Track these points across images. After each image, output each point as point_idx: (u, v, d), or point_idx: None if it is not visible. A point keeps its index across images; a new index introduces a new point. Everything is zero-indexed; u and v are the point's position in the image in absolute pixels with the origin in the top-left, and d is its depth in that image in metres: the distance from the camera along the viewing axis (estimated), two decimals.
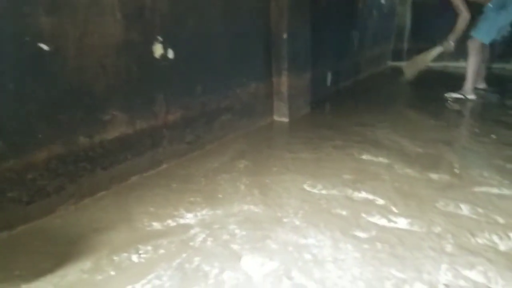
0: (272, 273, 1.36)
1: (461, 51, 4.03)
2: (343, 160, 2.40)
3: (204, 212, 1.80)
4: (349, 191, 1.97)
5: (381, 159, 2.38)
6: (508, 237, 1.53)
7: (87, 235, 1.62)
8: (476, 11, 3.80)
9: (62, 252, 1.51)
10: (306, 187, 2.04)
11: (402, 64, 5.76)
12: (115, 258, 1.46)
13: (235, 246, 1.53)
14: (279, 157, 2.49)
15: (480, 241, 1.52)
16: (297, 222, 1.69)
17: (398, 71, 5.47)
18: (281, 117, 3.38)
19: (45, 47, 1.66)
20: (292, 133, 3.08)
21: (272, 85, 3.30)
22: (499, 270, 1.34)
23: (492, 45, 4.21)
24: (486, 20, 3.72)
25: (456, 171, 2.18)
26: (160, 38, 2.18)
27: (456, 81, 4.18)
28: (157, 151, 2.29)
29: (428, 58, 4.30)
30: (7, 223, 1.63)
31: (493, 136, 2.75)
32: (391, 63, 6.78)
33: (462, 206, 1.78)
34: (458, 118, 3.45)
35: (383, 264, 1.39)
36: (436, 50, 4.16)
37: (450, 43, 3.99)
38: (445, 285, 1.27)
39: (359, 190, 1.98)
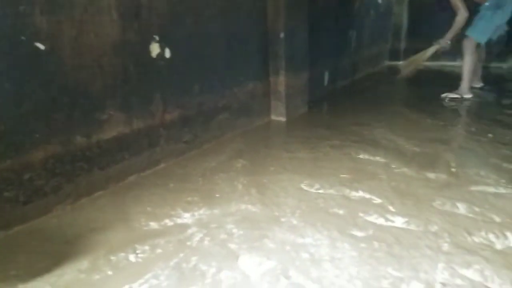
0: (270, 272, 1.36)
1: (458, 51, 4.04)
2: (340, 160, 2.40)
3: (201, 211, 1.80)
4: (346, 191, 1.97)
5: (378, 159, 2.39)
6: (505, 235, 1.54)
7: (84, 235, 1.62)
8: (472, 10, 3.80)
9: (59, 251, 1.50)
10: (303, 186, 2.04)
11: (399, 63, 5.79)
12: (112, 257, 1.46)
13: (232, 246, 1.53)
14: (276, 157, 2.49)
15: (476, 240, 1.52)
16: (295, 222, 1.69)
17: (395, 70, 5.50)
18: (279, 117, 3.38)
19: (41, 46, 1.65)
20: (290, 133, 3.09)
21: (269, 84, 3.31)
22: (496, 268, 1.34)
23: (489, 44, 4.22)
24: (482, 19, 3.73)
25: (453, 170, 2.19)
26: (157, 38, 2.18)
27: (453, 80, 4.20)
28: (154, 151, 2.29)
29: (425, 57, 4.31)
30: (4, 223, 1.62)
31: (490, 135, 2.76)
32: (388, 63, 6.80)
33: (459, 205, 1.79)
34: (455, 117, 3.46)
35: (380, 263, 1.39)
36: (433, 49, 4.17)
37: (446, 41, 3.99)
38: (442, 283, 1.28)
39: (356, 189, 1.98)
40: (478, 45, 3.91)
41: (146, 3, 2.09)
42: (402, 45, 6.91)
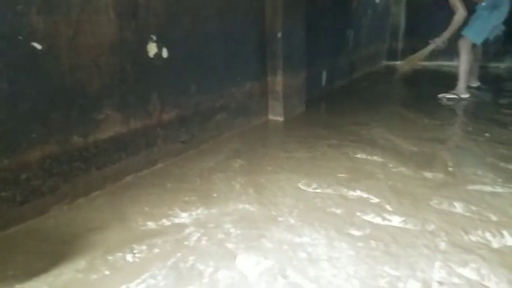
0: (267, 271, 1.36)
1: (455, 50, 4.04)
2: (338, 159, 2.40)
3: (199, 211, 1.80)
4: (344, 190, 1.97)
5: (375, 158, 2.39)
6: (501, 234, 1.54)
7: (82, 235, 1.61)
8: (470, 9, 3.81)
9: (57, 251, 1.50)
10: (301, 186, 2.04)
11: (397, 63, 5.80)
12: (109, 257, 1.46)
13: (230, 245, 1.53)
14: (274, 156, 2.49)
15: (473, 238, 1.53)
16: (292, 221, 1.70)
17: (393, 70, 5.50)
18: (276, 116, 3.39)
19: (38, 46, 1.65)
20: (287, 132, 3.09)
21: (267, 84, 3.31)
22: (492, 267, 1.35)
23: (486, 44, 4.23)
24: (478, 19, 3.74)
25: (450, 169, 2.20)
26: (154, 37, 2.18)
27: (450, 80, 4.20)
28: (151, 151, 2.28)
29: (422, 56, 4.32)
30: (1, 223, 1.62)
31: (487, 135, 2.77)
32: (385, 62, 6.81)
33: (456, 204, 1.80)
34: (452, 117, 3.46)
35: (377, 262, 1.39)
36: (429, 47, 4.17)
37: (443, 40, 4.00)
38: (439, 282, 1.28)
39: (353, 188, 1.98)
40: (474, 45, 3.92)
41: (143, 3, 2.09)
42: (400, 45, 6.92)
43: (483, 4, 3.68)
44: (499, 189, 1.93)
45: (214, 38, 2.65)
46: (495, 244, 1.49)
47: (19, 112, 1.63)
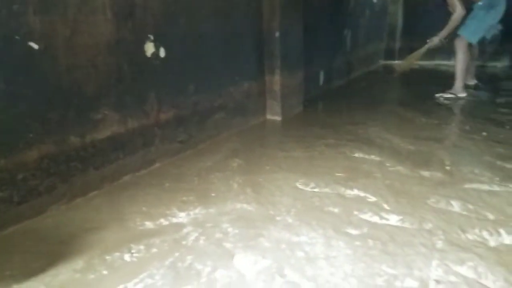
0: (265, 270, 1.36)
1: (452, 50, 4.05)
2: (335, 158, 2.41)
3: (197, 211, 1.80)
4: (341, 189, 1.98)
5: (373, 157, 2.40)
6: (498, 233, 1.55)
7: (79, 235, 1.61)
8: (468, 8, 3.81)
9: (54, 251, 1.50)
10: (298, 185, 2.04)
11: (394, 63, 5.80)
12: (107, 257, 1.45)
13: (227, 245, 1.53)
14: (271, 156, 2.49)
15: (470, 237, 1.53)
16: (290, 220, 1.70)
17: (390, 70, 5.51)
18: (274, 116, 3.39)
19: (35, 46, 1.65)
20: (285, 132, 3.09)
21: (264, 83, 3.31)
22: (489, 265, 1.35)
23: (483, 43, 4.24)
24: (474, 19, 3.74)
25: (447, 168, 2.20)
26: (151, 37, 2.18)
27: (447, 79, 4.21)
28: (149, 150, 2.28)
29: (420, 55, 4.32)
30: None
31: (484, 134, 2.78)
32: (383, 62, 6.82)
33: (453, 202, 1.80)
34: (449, 116, 3.47)
35: (375, 261, 1.40)
36: (427, 46, 4.18)
37: (439, 38, 3.99)
38: (436, 281, 1.28)
39: (351, 187, 1.99)
40: (470, 44, 3.93)
41: (140, 3, 2.08)
42: (397, 44, 6.93)
43: (480, 3, 3.69)
44: (496, 188, 1.94)
45: (211, 38, 2.65)
46: (492, 243, 1.49)
47: (16, 112, 1.63)
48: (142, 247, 1.51)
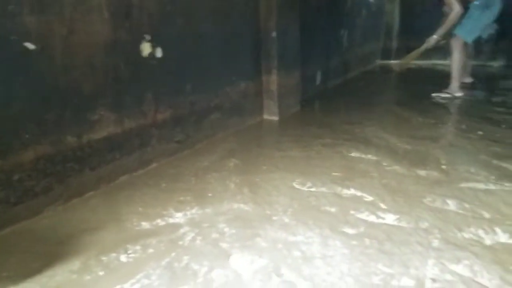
0: (261, 270, 1.37)
1: (448, 49, 4.06)
2: (332, 158, 2.41)
3: (193, 211, 1.80)
4: (338, 188, 1.98)
5: (369, 157, 2.40)
6: (494, 231, 1.56)
7: (76, 236, 1.61)
8: (466, 7, 3.82)
9: (51, 252, 1.50)
10: (295, 185, 2.05)
11: (391, 62, 5.81)
12: (103, 258, 1.45)
13: (224, 245, 1.53)
14: (268, 156, 2.49)
15: (466, 235, 1.54)
16: (287, 220, 1.70)
17: (388, 69, 5.51)
18: (271, 116, 3.39)
19: (31, 46, 1.64)
20: (282, 132, 3.09)
21: (261, 83, 3.31)
22: (485, 264, 1.36)
23: (479, 42, 4.26)
24: (470, 18, 3.76)
25: (443, 167, 2.21)
26: (148, 37, 2.17)
27: (444, 79, 4.22)
28: (146, 151, 2.28)
29: (418, 54, 4.32)
30: None
31: (480, 133, 2.79)
32: (380, 62, 6.83)
33: (449, 201, 1.81)
34: (446, 115, 3.48)
35: (371, 260, 1.40)
36: (424, 46, 4.18)
37: (436, 37, 3.99)
38: (432, 279, 1.29)
39: (348, 187, 1.99)
40: (465, 43, 3.94)
41: (137, 3, 2.08)
42: (394, 44, 6.95)
43: (476, 3, 3.70)
44: (492, 187, 1.95)
45: (208, 38, 2.65)
46: (488, 241, 1.50)
47: (12, 112, 1.62)
48: (138, 247, 1.51)
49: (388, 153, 2.44)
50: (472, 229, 1.57)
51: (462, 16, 3.78)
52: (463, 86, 4.13)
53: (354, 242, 1.51)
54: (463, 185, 1.98)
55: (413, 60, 4.54)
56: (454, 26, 3.85)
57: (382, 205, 1.79)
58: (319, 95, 4.32)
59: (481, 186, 1.96)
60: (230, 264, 1.40)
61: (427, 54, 4.41)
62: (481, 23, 3.77)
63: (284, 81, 3.34)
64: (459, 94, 3.97)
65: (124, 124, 2.12)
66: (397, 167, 2.22)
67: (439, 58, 5.88)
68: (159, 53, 2.26)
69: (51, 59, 1.73)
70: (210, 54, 2.70)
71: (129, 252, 1.48)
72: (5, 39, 1.56)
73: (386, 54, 6.88)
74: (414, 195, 1.89)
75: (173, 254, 1.47)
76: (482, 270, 1.33)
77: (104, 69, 1.97)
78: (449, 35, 3.93)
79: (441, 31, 3.94)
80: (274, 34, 3.13)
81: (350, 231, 1.60)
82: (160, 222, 1.71)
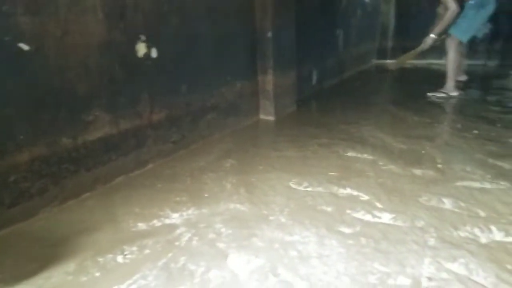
0: (258, 270, 1.37)
1: (444, 49, 4.07)
2: (328, 158, 2.41)
3: (190, 211, 1.80)
4: (334, 188, 1.98)
5: (365, 156, 2.41)
6: (489, 229, 1.56)
7: (72, 237, 1.60)
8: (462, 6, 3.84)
9: (46, 254, 1.49)
10: (291, 184, 2.05)
11: (387, 62, 5.82)
12: (100, 259, 1.45)
13: (221, 245, 1.53)
14: (265, 156, 2.49)
15: (462, 234, 1.54)
16: (283, 220, 1.70)
17: (383, 69, 5.52)
18: (267, 116, 3.39)
19: (25, 47, 1.63)
20: (278, 132, 3.09)
21: (257, 83, 3.31)
22: (480, 262, 1.36)
23: (474, 42, 4.28)
24: (465, 18, 3.77)
25: (439, 166, 2.22)
26: (143, 37, 2.17)
27: (439, 78, 4.24)
28: (142, 151, 2.27)
29: (414, 54, 4.33)
30: None
31: (475, 132, 2.80)
32: (375, 61, 6.85)
33: (445, 200, 1.81)
34: (441, 115, 3.49)
35: (367, 259, 1.40)
36: (421, 47, 4.18)
37: (433, 36, 4.00)
38: (428, 278, 1.29)
39: (344, 186, 2.00)
40: (460, 43, 3.96)
41: (131, 3, 2.08)
42: (390, 43, 6.97)
43: (471, 2, 3.72)
44: (487, 185, 1.96)
45: (204, 38, 2.64)
46: (483, 240, 1.51)
47: (6, 113, 1.61)
48: (135, 248, 1.51)
49: (384, 153, 2.45)
50: (468, 228, 1.58)
51: (457, 15, 3.80)
52: (458, 85, 4.15)
53: (350, 241, 1.51)
54: (459, 184, 1.99)
55: (409, 60, 4.55)
56: (449, 25, 3.86)
57: (378, 204, 1.80)
58: (315, 95, 4.32)
59: (476, 184, 1.97)
60: (227, 264, 1.40)
61: (423, 53, 4.42)
62: (476, 22, 3.78)
63: (280, 81, 3.34)
64: (454, 93, 3.99)
65: (119, 125, 2.11)
66: (393, 167, 2.22)
67: (435, 57, 5.89)
68: (154, 53, 2.25)
69: (45, 59, 1.72)
70: (206, 54, 2.69)
71: (125, 253, 1.48)
72: None
73: (382, 54, 6.90)
74: (410, 194, 1.89)
75: (169, 254, 1.47)
76: (477, 268, 1.34)
77: (99, 69, 1.97)
78: (445, 34, 3.95)
79: (438, 28, 3.95)
80: (269, 34, 3.13)
81: (346, 230, 1.60)
82: (156, 222, 1.70)
